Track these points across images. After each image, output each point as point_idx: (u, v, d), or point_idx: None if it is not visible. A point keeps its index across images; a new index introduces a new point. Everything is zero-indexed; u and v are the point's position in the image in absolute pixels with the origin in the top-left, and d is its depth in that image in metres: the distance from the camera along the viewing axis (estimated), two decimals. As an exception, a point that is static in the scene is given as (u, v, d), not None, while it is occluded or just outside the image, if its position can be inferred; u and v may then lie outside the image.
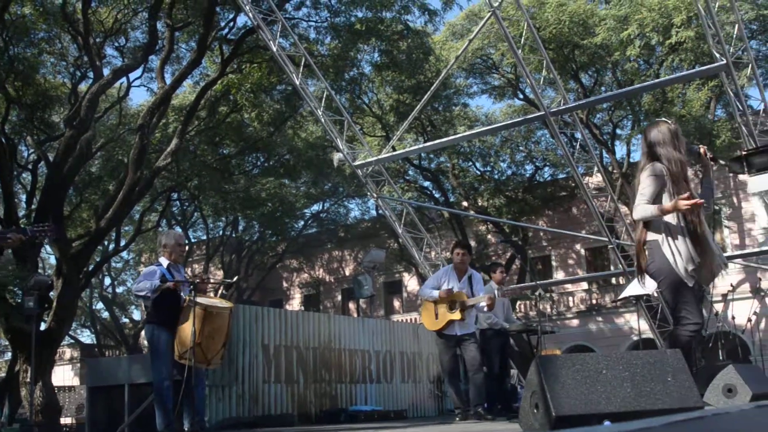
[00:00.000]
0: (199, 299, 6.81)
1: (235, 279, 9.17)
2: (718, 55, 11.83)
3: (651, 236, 5.05)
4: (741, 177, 20.84)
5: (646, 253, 5.07)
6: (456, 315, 8.60)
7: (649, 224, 5.08)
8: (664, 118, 5.43)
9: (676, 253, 4.90)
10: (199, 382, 7.06)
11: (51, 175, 17.96)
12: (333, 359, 11.40)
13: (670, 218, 4.98)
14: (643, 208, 5.00)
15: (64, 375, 37.86)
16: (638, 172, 5.18)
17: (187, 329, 6.61)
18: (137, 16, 21.37)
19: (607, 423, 3.82)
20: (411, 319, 32.10)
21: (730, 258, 21.19)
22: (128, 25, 21.60)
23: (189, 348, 6.60)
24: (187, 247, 7.94)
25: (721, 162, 4.89)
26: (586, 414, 3.87)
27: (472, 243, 30.51)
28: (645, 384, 4.05)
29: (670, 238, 4.95)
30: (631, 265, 16.87)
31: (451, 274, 8.93)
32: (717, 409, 3.33)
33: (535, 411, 4.08)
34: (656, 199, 5.04)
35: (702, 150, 5.23)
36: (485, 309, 8.69)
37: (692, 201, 4.79)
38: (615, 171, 25.68)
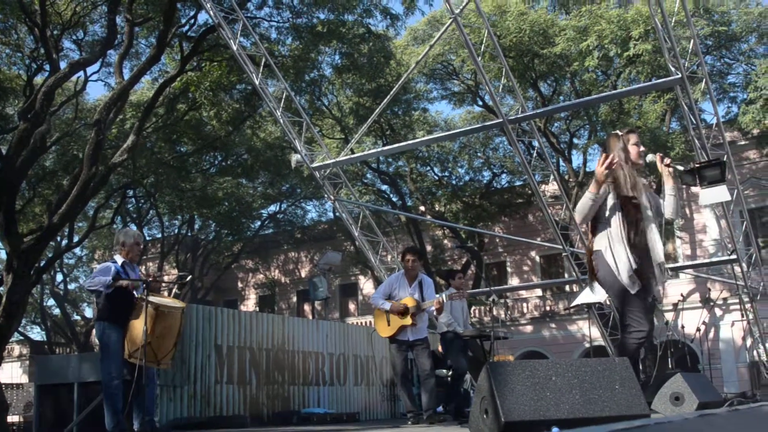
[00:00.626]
0: (151, 298, 6.76)
1: (188, 277, 9.10)
2: (673, 69, 12.03)
3: (596, 245, 5.14)
4: (693, 189, 21.18)
5: (594, 262, 5.15)
6: (407, 320, 8.66)
7: (596, 233, 5.17)
8: (616, 131, 5.52)
9: (618, 261, 4.98)
10: (150, 382, 7.00)
11: (3, 168, 17.64)
12: (286, 361, 11.37)
13: (614, 227, 5.07)
14: (579, 203, 5.12)
15: (12, 372, 37.22)
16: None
17: (138, 327, 6.55)
18: (96, 10, 21.09)
19: (555, 429, 3.87)
20: (366, 322, 32.12)
21: (681, 268, 21.60)
22: (87, 19, 21.30)
23: (140, 347, 6.54)
24: (142, 246, 7.88)
25: (679, 167, 4.99)
26: (535, 420, 3.92)
27: (429, 248, 30.64)
28: (593, 391, 4.11)
29: (612, 247, 5.03)
30: (585, 273, 17.08)
31: (401, 280, 8.98)
32: (661, 417, 3.39)
33: (485, 416, 4.12)
34: (601, 209, 5.12)
35: (658, 157, 5.28)
36: (434, 312, 8.77)
37: (607, 161, 4.88)
38: (571, 180, 25.96)
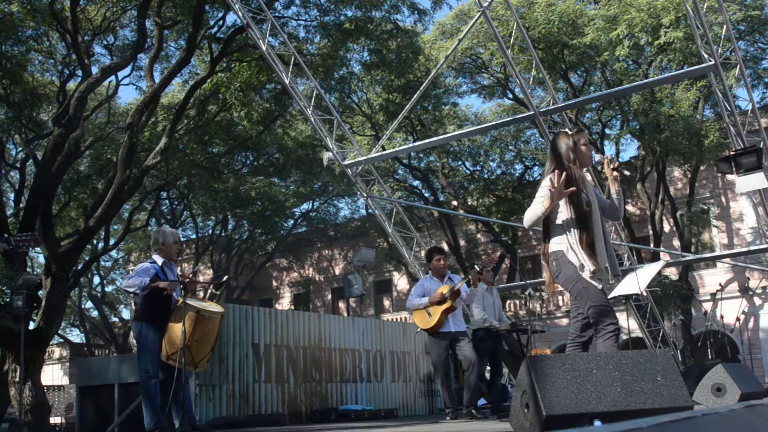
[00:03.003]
0: (191, 302, 6.80)
1: (225, 278, 9.18)
2: (706, 56, 11.88)
3: (555, 246, 5.11)
4: (729, 177, 20.94)
5: (553, 264, 5.11)
6: (446, 304, 8.65)
7: (551, 235, 5.15)
8: (566, 129, 5.51)
9: (581, 259, 4.96)
10: (186, 381, 7.06)
11: (39, 173, 17.89)
12: (323, 358, 11.40)
13: (570, 228, 5.05)
14: (530, 210, 5.12)
15: (53, 374, 37.70)
16: (543, 179, 5.25)
17: (178, 330, 6.60)
18: (126, 14, 21.32)
19: (597, 423, 3.84)
20: (401, 318, 32.14)
21: (718, 258, 21.35)
22: (117, 23, 21.54)
23: (178, 349, 6.59)
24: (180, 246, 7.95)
25: (626, 172, 4.97)
26: (577, 413, 3.89)
27: (462, 242, 30.55)
28: (635, 383, 4.07)
29: (572, 246, 5.01)
30: (620, 265, 16.94)
31: (432, 280, 9.05)
32: (707, 409, 3.35)
33: (526, 411, 4.10)
34: (554, 211, 5.13)
35: (606, 160, 5.29)
36: (467, 289, 8.70)
37: (560, 178, 4.88)
38: (604, 170, 25.72)
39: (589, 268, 4.93)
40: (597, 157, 5.35)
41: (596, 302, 4.93)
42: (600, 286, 4.97)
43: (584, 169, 5.35)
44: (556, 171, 4.96)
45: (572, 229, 5.04)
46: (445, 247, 30.10)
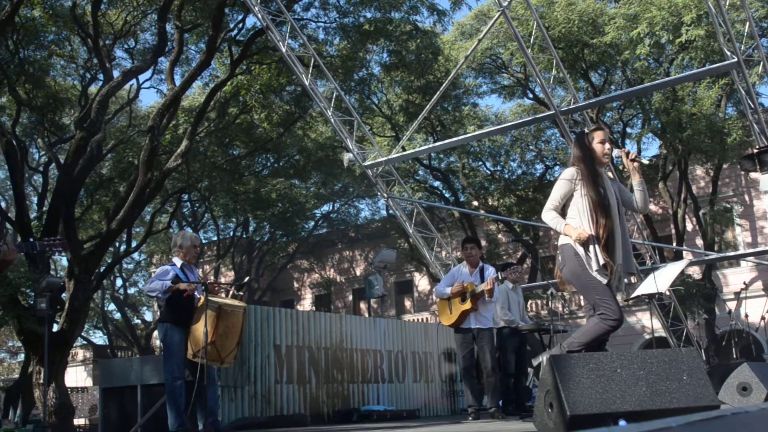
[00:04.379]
0: (213, 298, 6.84)
1: (246, 279, 9.21)
2: (729, 53, 11.78)
3: (563, 240, 5.09)
4: (753, 175, 20.75)
5: (559, 257, 5.10)
6: (467, 305, 8.65)
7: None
8: (585, 129, 5.51)
9: (590, 252, 4.93)
10: (211, 382, 7.08)
11: (62, 177, 18.00)
12: (345, 359, 11.41)
13: (582, 223, 5.03)
14: (551, 219, 5.17)
15: (77, 376, 37.99)
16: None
17: (201, 329, 6.63)
18: (146, 18, 21.43)
19: (622, 422, 3.81)
20: (422, 319, 32.13)
21: (742, 256, 21.18)
22: (137, 27, 21.66)
23: (201, 348, 6.62)
24: (200, 248, 7.93)
25: (645, 161, 4.91)
26: (601, 413, 3.86)
27: (483, 243, 30.45)
28: (660, 383, 4.03)
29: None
30: (642, 264, 16.82)
31: (463, 270, 9.02)
32: (736, 408, 3.30)
33: (550, 410, 4.07)
34: (567, 202, 5.17)
35: (623, 153, 5.30)
36: (486, 297, 8.66)
37: (584, 234, 4.92)
38: (625, 170, 25.59)
39: (599, 262, 4.90)
40: (615, 152, 5.35)
41: (600, 294, 4.92)
42: (605, 281, 4.93)
43: (604, 167, 5.34)
44: (581, 233, 4.96)
45: (585, 223, 5.01)
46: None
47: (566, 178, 5.17)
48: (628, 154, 5.25)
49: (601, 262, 4.90)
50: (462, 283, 8.77)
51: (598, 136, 5.29)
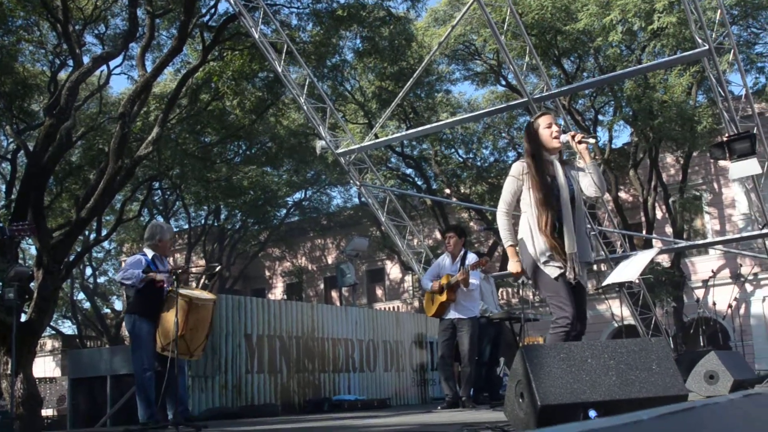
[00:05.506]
0: (183, 291, 6.76)
1: (218, 267, 9.12)
2: (700, 41, 11.82)
3: (521, 232, 5.06)
4: (722, 163, 20.92)
5: (519, 254, 5.09)
6: (443, 296, 8.71)
7: (519, 224, 5.13)
8: (540, 112, 5.42)
9: (538, 248, 4.91)
10: (181, 372, 7.02)
11: (31, 164, 17.75)
12: (316, 348, 11.38)
13: (533, 216, 4.98)
14: (502, 228, 5.17)
15: (45, 366, 37.64)
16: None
17: (171, 320, 6.55)
18: (117, 3, 21.16)
19: (593, 413, 3.80)
20: (393, 308, 32.15)
21: (711, 244, 21.35)
22: (108, 12, 21.36)
23: (171, 340, 6.55)
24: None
25: (591, 140, 4.77)
26: (572, 403, 3.85)
27: (455, 230, 30.47)
28: (630, 372, 4.03)
29: (532, 235, 4.95)
30: (613, 251, 16.91)
31: (445, 260, 9.04)
32: (706, 399, 3.30)
33: (521, 400, 4.06)
34: (519, 195, 5.13)
35: (569, 136, 5.06)
36: (462, 287, 8.69)
37: (517, 268, 5.07)
38: (597, 157, 25.72)
39: (545, 253, 4.86)
40: (563, 137, 5.10)
41: (551, 292, 4.88)
42: (556, 274, 4.88)
43: (555, 153, 5.18)
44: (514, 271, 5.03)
45: (533, 215, 4.97)
46: (438, 235, 30.12)
47: (513, 174, 5.11)
48: (573, 136, 5.01)
49: (548, 253, 4.86)
50: (439, 282, 8.84)
51: (543, 121, 5.14)
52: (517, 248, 5.09)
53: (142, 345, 6.92)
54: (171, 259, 29.27)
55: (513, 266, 5.06)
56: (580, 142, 5.00)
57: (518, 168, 5.12)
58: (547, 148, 5.12)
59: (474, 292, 8.88)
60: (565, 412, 3.83)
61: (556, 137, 5.09)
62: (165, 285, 6.99)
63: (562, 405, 3.83)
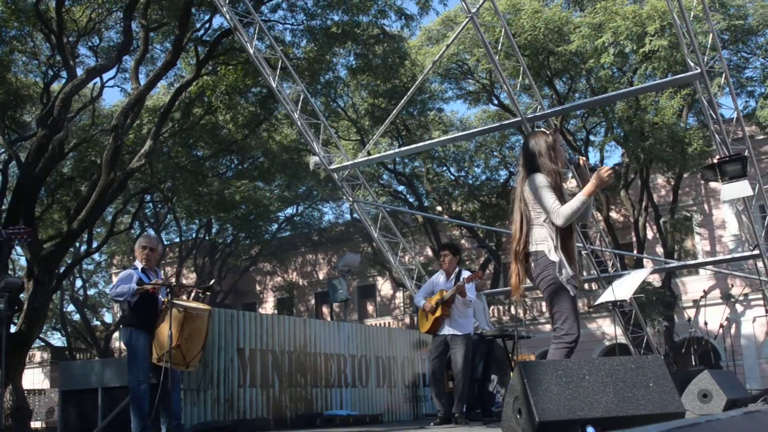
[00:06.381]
0: (177, 301, 6.78)
1: (212, 282, 9.14)
2: (692, 64, 11.93)
3: (536, 246, 4.98)
4: (712, 184, 21.08)
5: (532, 264, 5.00)
6: (438, 312, 8.71)
7: (532, 235, 5.02)
8: (543, 129, 5.42)
9: (563, 262, 4.89)
10: (175, 386, 7.01)
11: (22, 175, 17.75)
12: (308, 363, 11.36)
13: (553, 230, 4.94)
14: (568, 205, 4.90)
15: (34, 378, 37.41)
16: (520, 182, 5.10)
17: (166, 332, 6.56)
18: (111, 16, 21.18)
19: (590, 429, 3.83)
20: (385, 323, 32.13)
21: (702, 265, 21.48)
22: (102, 25, 21.40)
23: (166, 351, 6.55)
24: (160, 251, 7.84)
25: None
26: (570, 419, 3.88)
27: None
28: (627, 389, 4.06)
29: (556, 248, 4.93)
30: (605, 271, 16.97)
31: (440, 277, 9.08)
32: (709, 416, 3.33)
33: (518, 416, 4.08)
34: (537, 210, 5.00)
35: (581, 161, 5.12)
36: (459, 298, 8.71)
37: (609, 169, 4.79)
38: (581, 172, 25.77)
39: (569, 272, 4.88)
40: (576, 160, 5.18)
41: (567, 309, 4.86)
42: (574, 292, 4.90)
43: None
44: (603, 167, 4.84)
45: (556, 231, 4.97)
46: (429, 252, 30.15)
47: (548, 183, 4.96)
48: (584, 163, 5.10)
49: (570, 273, 4.87)
50: (432, 301, 8.85)
51: (560, 139, 5.20)
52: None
53: (138, 357, 6.91)
54: (162, 271, 29.22)
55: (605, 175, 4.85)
56: (591, 169, 5.00)
57: (544, 178, 4.98)
58: (560, 164, 5.14)
59: (469, 309, 8.90)
60: (562, 428, 3.86)
61: (565, 159, 5.16)
62: (159, 295, 7.01)
63: (559, 421, 3.86)
